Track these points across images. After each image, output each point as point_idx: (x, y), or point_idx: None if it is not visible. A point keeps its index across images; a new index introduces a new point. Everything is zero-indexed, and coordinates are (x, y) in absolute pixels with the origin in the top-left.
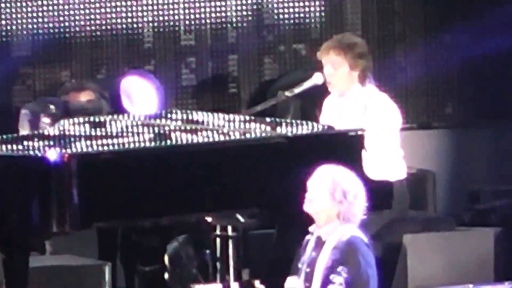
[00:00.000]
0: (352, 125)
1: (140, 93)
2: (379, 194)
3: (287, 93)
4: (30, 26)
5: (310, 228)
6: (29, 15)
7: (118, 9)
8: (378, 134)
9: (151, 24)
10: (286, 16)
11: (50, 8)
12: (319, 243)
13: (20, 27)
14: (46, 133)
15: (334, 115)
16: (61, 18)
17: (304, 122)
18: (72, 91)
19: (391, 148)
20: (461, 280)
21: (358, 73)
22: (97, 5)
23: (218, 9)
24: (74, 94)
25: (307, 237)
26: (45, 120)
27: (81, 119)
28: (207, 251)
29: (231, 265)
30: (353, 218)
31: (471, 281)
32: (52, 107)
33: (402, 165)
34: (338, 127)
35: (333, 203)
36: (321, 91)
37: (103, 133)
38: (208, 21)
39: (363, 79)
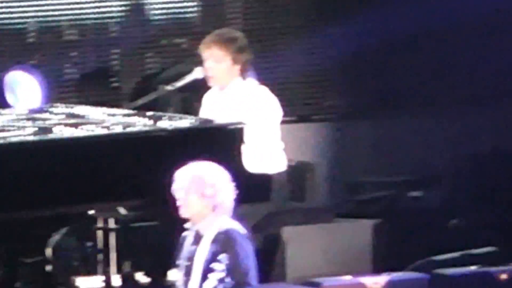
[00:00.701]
0: (232, 118)
1: (23, 88)
2: (257, 186)
3: (168, 87)
4: None
5: (186, 225)
6: None
7: (1, 4)
8: (258, 127)
9: (34, 19)
10: (168, 10)
11: None
12: (198, 238)
13: None
14: None
15: (214, 109)
16: None
17: (185, 116)
18: None
19: (271, 141)
20: (340, 271)
21: (239, 67)
22: None
23: (100, 4)
24: None
25: (184, 233)
26: None
27: None
28: (89, 244)
29: (113, 257)
30: (226, 209)
31: (350, 271)
32: None
33: (282, 158)
34: (218, 121)
35: (204, 200)
36: (202, 85)
37: None
38: (90, 16)
39: (244, 73)
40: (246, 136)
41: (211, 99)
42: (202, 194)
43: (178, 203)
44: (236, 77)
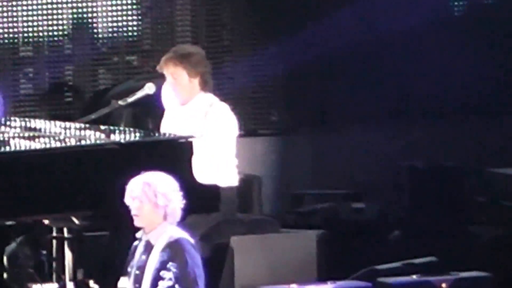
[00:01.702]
0: (188, 132)
1: None
2: (207, 197)
3: (120, 102)
4: None
5: (138, 234)
6: None
7: None
8: (214, 141)
9: None
10: (119, 29)
11: None
12: (148, 247)
13: None
14: None
15: (176, 123)
16: None
17: (136, 129)
18: None
19: (226, 156)
20: (286, 280)
21: (198, 80)
22: None
23: (54, 22)
24: None
25: (135, 243)
26: None
27: None
28: (44, 252)
29: (67, 265)
30: (176, 218)
31: (295, 280)
32: None
33: (234, 173)
34: (169, 134)
35: (157, 209)
36: (152, 101)
37: None
38: (45, 33)
39: (204, 85)
40: (201, 149)
41: (173, 113)
42: (155, 203)
43: (132, 213)
44: (197, 91)
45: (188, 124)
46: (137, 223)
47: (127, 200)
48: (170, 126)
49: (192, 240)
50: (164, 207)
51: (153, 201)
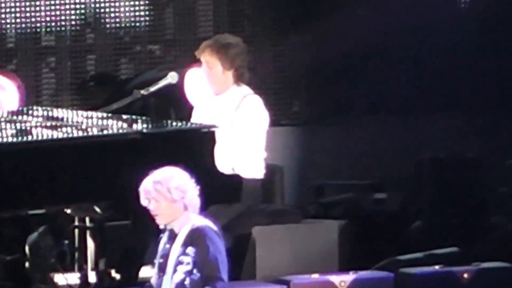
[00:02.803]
0: (222, 123)
1: (2, 91)
2: (228, 187)
3: (143, 92)
4: None
5: (161, 226)
6: None
7: None
8: (244, 132)
9: (13, 25)
10: (142, 18)
11: None
12: (172, 236)
13: None
14: None
15: (208, 114)
16: None
17: (159, 119)
18: None
19: (255, 148)
20: (308, 270)
21: (232, 73)
22: None
23: (77, 11)
24: None
25: (161, 235)
26: None
27: None
28: (66, 241)
29: (89, 254)
30: (195, 206)
31: (317, 271)
32: None
33: (261, 165)
34: (191, 124)
35: (175, 204)
36: (175, 90)
37: None
38: (67, 22)
39: (238, 79)
40: (231, 140)
41: (206, 103)
42: (171, 199)
43: (152, 214)
44: (230, 84)
45: (220, 115)
46: (159, 221)
47: (144, 202)
48: (203, 116)
49: (215, 228)
50: (182, 200)
51: (168, 197)
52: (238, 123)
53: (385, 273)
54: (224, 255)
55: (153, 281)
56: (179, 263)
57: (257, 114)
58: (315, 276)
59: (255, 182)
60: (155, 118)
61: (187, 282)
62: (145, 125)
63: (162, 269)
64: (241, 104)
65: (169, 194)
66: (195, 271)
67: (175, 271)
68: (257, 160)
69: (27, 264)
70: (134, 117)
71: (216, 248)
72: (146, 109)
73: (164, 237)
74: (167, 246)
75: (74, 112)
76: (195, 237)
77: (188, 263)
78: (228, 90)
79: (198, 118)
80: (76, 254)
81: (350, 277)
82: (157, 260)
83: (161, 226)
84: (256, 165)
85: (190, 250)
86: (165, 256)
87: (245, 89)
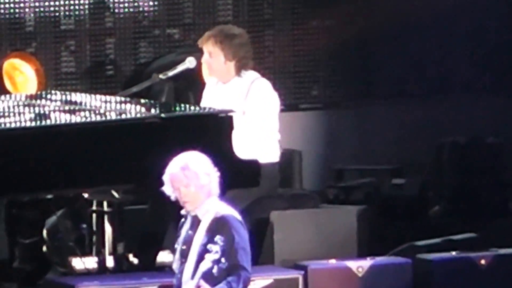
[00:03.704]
0: (229, 107)
1: (21, 75)
2: (247, 172)
3: (161, 76)
4: None
5: (182, 212)
6: None
7: None
8: (257, 117)
9: (32, 8)
10: (160, 2)
11: None
12: (195, 222)
13: None
14: None
15: (216, 100)
16: None
17: (177, 103)
18: None
19: (268, 131)
20: (326, 255)
21: (234, 63)
22: None
23: None
24: None
25: (182, 220)
26: None
27: None
28: (84, 225)
29: (107, 238)
30: (217, 190)
31: (335, 255)
32: None
33: (276, 148)
34: (210, 108)
35: (202, 189)
36: (193, 75)
37: None
38: (86, 6)
39: (239, 69)
40: (244, 126)
41: (213, 89)
42: (199, 185)
43: (181, 201)
44: (232, 75)
45: (229, 101)
46: (189, 207)
47: (169, 190)
48: (211, 102)
49: (239, 217)
50: (209, 184)
51: (197, 183)
52: (249, 109)
53: (403, 258)
54: (248, 245)
55: (175, 267)
56: (206, 251)
57: (267, 98)
58: (333, 261)
59: (272, 166)
60: (173, 102)
61: (215, 270)
62: (163, 109)
63: (184, 256)
64: (250, 91)
65: (198, 180)
66: (223, 259)
67: (201, 259)
68: (272, 144)
69: (45, 248)
70: (152, 101)
71: (240, 238)
72: (164, 93)
73: (187, 223)
74: (190, 232)
75: (93, 96)
76: (220, 226)
77: (216, 252)
78: (231, 80)
79: (207, 103)
80: (94, 238)
81: (367, 262)
82: (179, 246)
83: (183, 212)
84: (272, 148)
85: (219, 238)
86: (188, 243)
87: (251, 75)
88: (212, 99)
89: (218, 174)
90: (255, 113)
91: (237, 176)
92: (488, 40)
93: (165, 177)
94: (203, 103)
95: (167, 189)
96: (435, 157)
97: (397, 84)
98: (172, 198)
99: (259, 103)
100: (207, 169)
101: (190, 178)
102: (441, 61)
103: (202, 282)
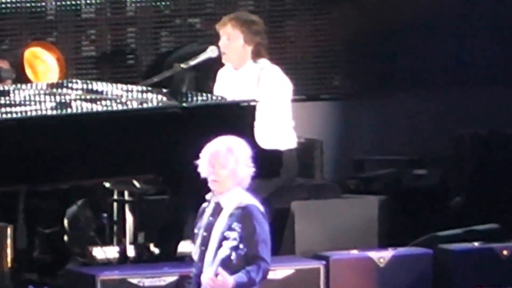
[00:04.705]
0: (245, 96)
1: (42, 64)
2: (268, 162)
3: (183, 65)
4: None
5: (207, 196)
6: None
7: None
8: (269, 105)
9: None
10: None
11: None
12: (217, 209)
13: None
14: None
15: (228, 88)
16: None
17: (198, 93)
18: None
19: (282, 119)
20: (346, 246)
21: (251, 48)
22: None
23: None
24: None
25: (204, 205)
26: None
27: None
28: (105, 215)
29: (128, 228)
30: (246, 184)
31: (356, 246)
32: None
33: (292, 135)
34: (231, 98)
35: (235, 176)
36: (215, 64)
37: (7, 102)
38: None
39: (255, 55)
40: (258, 113)
41: (224, 77)
42: (235, 172)
43: (210, 178)
44: (247, 58)
45: (240, 90)
46: (214, 187)
47: (204, 165)
48: (222, 91)
49: (262, 209)
50: (242, 175)
51: (234, 169)
52: (262, 98)
53: (424, 249)
54: (269, 237)
55: (195, 254)
56: (224, 238)
57: (278, 85)
58: (354, 252)
59: (290, 152)
60: (195, 91)
61: (233, 257)
62: (184, 99)
63: (204, 243)
64: (260, 79)
65: (236, 166)
66: (241, 246)
67: (220, 246)
68: (288, 131)
69: (66, 238)
70: (173, 90)
71: (262, 230)
72: (185, 83)
73: (209, 210)
74: (211, 219)
75: (114, 85)
76: (242, 215)
77: (234, 239)
78: (245, 64)
79: (220, 92)
80: (115, 228)
81: (389, 253)
82: (200, 233)
83: (208, 196)
84: (288, 135)
85: (236, 225)
86: (209, 230)
87: (262, 63)
88: (225, 87)
89: (253, 170)
90: (268, 101)
91: (259, 166)
92: (510, 31)
93: (206, 152)
94: (216, 90)
95: (202, 164)
96: (456, 148)
97: (418, 75)
98: (202, 175)
99: (271, 91)
100: (247, 162)
101: (230, 162)
102: (461, 52)
103: (220, 270)
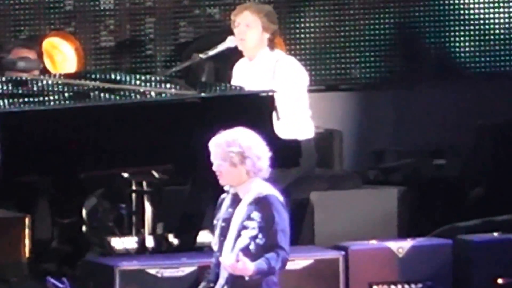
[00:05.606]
0: (263, 86)
1: (60, 54)
2: (287, 152)
3: (202, 55)
4: None
5: (226, 187)
6: None
7: None
8: (285, 95)
9: None
10: None
11: None
12: (236, 200)
13: None
14: None
15: (244, 78)
16: None
17: (217, 83)
18: (15, 47)
19: (299, 108)
20: (366, 236)
21: (268, 36)
22: None
23: None
24: (17, 51)
25: (223, 195)
26: None
27: (3, 79)
28: (123, 206)
29: (146, 219)
30: (264, 173)
31: (376, 236)
32: None
33: (309, 125)
34: (250, 88)
35: (239, 167)
36: (234, 54)
37: (25, 92)
38: None
39: (272, 44)
40: (276, 104)
41: (241, 68)
42: (232, 163)
43: (217, 172)
44: (264, 47)
45: (258, 79)
46: (221, 181)
47: (211, 158)
48: (239, 81)
49: (281, 198)
50: (251, 165)
51: (239, 161)
52: (277, 86)
53: (444, 239)
54: (288, 227)
55: (214, 244)
56: (243, 227)
57: (294, 76)
58: (373, 242)
59: (308, 142)
60: (213, 82)
61: (252, 247)
62: (203, 89)
63: (223, 234)
64: (276, 71)
65: (241, 158)
66: (260, 235)
67: (239, 235)
68: (305, 120)
69: (84, 228)
70: (192, 80)
71: (281, 219)
72: (204, 73)
73: (227, 200)
74: (230, 210)
75: (132, 75)
76: (261, 205)
77: (253, 228)
78: (261, 54)
79: (236, 83)
80: (134, 219)
81: (408, 243)
82: (219, 223)
83: (226, 188)
84: (305, 125)
85: (256, 215)
86: (228, 220)
87: (277, 54)
88: (241, 80)
89: (268, 156)
90: (285, 92)
91: (278, 156)
92: None
93: (209, 145)
94: (232, 81)
95: (211, 157)
96: (475, 139)
97: (437, 66)
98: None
99: (287, 82)
100: (257, 152)
101: (230, 155)
102: (479, 42)
103: (241, 255)
